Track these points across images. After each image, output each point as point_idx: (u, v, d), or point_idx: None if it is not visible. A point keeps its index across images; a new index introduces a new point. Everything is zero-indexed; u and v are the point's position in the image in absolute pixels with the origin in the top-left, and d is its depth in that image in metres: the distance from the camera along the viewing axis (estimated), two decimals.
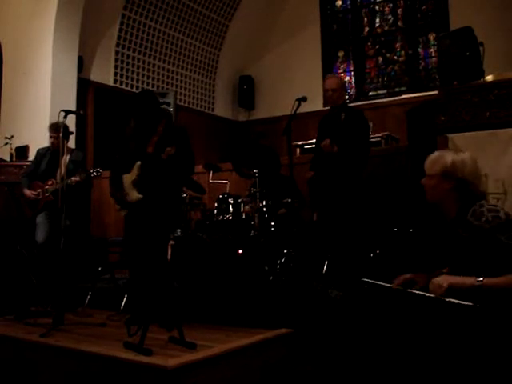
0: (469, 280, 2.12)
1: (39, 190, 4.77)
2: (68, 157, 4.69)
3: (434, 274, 2.42)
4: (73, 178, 4.39)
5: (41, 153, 5.05)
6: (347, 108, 4.51)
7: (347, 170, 4.12)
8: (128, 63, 7.78)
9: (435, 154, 2.42)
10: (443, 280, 2.16)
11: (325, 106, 8.49)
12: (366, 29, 8.62)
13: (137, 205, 3.76)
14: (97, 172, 4.42)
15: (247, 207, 4.40)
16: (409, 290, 2.29)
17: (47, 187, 4.74)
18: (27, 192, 4.82)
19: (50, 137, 4.90)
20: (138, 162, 3.80)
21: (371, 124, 4.63)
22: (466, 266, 2.19)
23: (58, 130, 4.81)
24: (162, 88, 8.16)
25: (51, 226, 4.73)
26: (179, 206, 4.14)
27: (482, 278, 2.09)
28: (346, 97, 7.90)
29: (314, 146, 6.00)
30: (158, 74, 8.25)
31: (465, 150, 3.72)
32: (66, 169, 4.46)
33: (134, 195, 3.76)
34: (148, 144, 3.84)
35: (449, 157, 2.35)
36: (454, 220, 2.32)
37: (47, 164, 4.88)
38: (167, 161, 3.70)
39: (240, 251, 3.96)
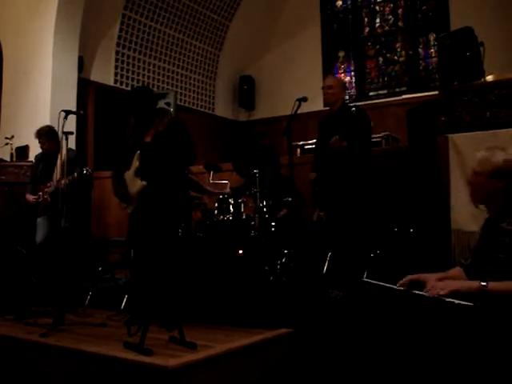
0: (473, 285, 2.11)
1: (39, 194, 4.88)
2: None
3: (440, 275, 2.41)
4: (62, 181, 4.41)
5: (37, 158, 5.17)
6: (348, 110, 4.40)
7: (352, 169, 4.09)
8: (128, 63, 7.78)
9: (486, 153, 2.40)
10: (445, 286, 2.15)
11: (325, 106, 8.52)
12: (367, 29, 8.61)
13: (142, 196, 3.79)
14: (86, 170, 4.42)
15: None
16: (409, 291, 2.28)
17: (46, 189, 4.84)
18: (29, 197, 4.94)
19: (38, 142, 5.01)
20: (137, 152, 3.85)
21: (372, 124, 4.56)
22: (504, 260, 2.18)
23: (41, 135, 4.95)
24: (162, 88, 8.16)
25: (50, 227, 4.78)
26: (185, 197, 4.14)
27: (485, 283, 2.09)
28: (347, 97, 7.90)
29: (314, 146, 5.99)
30: (158, 74, 8.25)
31: (465, 150, 3.74)
32: (61, 169, 4.53)
33: (138, 184, 3.80)
34: (146, 135, 3.90)
35: (500, 156, 2.34)
36: (499, 215, 2.32)
37: (43, 167, 4.99)
38: (165, 147, 3.79)
39: (240, 251, 3.95)
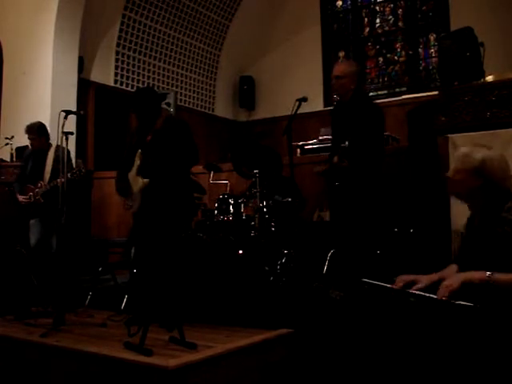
0: (478, 274, 2.10)
1: (30, 194, 4.72)
2: (52, 156, 4.69)
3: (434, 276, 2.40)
4: (58, 180, 4.34)
5: (25, 155, 5.03)
6: (360, 103, 3.98)
7: (359, 179, 3.93)
8: (128, 63, 7.79)
9: (467, 149, 2.38)
10: (453, 281, 2.13)
11: (325, 106, 8.53)
12: (367, 29, 8.62)
13: (145, 194, 3.79)
14: (79, 171, 4.35)
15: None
16: (409, 291, 2.28)
17: (37, 190, 4.67)
18: (18, 197, 4.77)
19: (28, 138, 4.88)
20: (139, 151, 3.85)
21: None
22: (495, 261, 2.17)
23: (32, 130, 4.82)
24: (163, 88, 8.17)
25: (43, 229, 4.71)
26: (189, 198, 4.12)
27: (490, 273, 2.07)
28: None
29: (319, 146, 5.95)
30: (159, 74, 8.25)
31: None
32: (52, 168, 4.52)
33: (140, 182, 3.80)
34: (148, 135, 3.91)
35: (479, 154, 2.32)
36: (483, 216, 2.31)
37: (32, 166, 4.84)
38: (167, 146, 3.77)
39: (240, 251, 3.96)
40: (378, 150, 3.94)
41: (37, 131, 4.81)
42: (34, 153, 4.90)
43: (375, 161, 3.94)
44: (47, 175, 4.68)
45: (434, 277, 2.37)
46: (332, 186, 4.13)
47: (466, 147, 2.42)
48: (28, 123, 4.97)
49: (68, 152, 4.95)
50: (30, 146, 5.06)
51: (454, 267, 2.46)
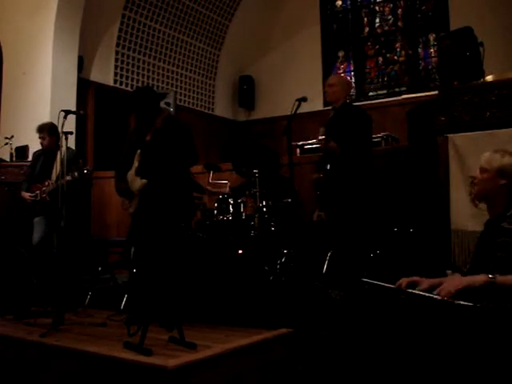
0: (480, 278, 2.11)
1: (37, 192, 4.76)
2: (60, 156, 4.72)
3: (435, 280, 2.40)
4: (68, 178, 4.35)
5: (36, 155, 5.08)
6: (349, 109, 4.41)
7: (350, 170, 4.09)
8: (128, 63, 7.79)
9: (496, 153, 2.45)
10: (449, 286, 2.13)
11: (325, 106, 8.52)
12: (366, 29, 8.62)
13: (143, 194, 3.78)
14: (86, 170, 4.36)
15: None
16: (409, 291, 2.28)
17: (44, 188, 4.72)
18: (25, 195, 4.82)
19: (39, 137, 4.93)
20: (138, 151, 3.84)
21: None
22: (504, 259, 2.18)
23: (43, 129, 4.86)
24: (162, 88, 8.17)
25: (47, 227, 4.74)
26: (188, 197, 4.12)
27: (493, 276, 2.08)
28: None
29: (318, 146, 6.01)
30: (158, 74, 8.25)
31: (465, 150, 3.74)
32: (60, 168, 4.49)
33: (138, 182, 3.80)
34: (147, 134, 3.90)
35: (508, 157, 2.39)
36: (499, 216, 2.34)
37: (41, 165, 4.90)
38: (166, 146, 3.78)
39: (240, 251, 3.96)
40: (364, 147, 4.19)
41: (47, 131, 4.86)
42: (44, 153, 4.95)
43: (363, 157, 4.11)
44: (55, 175, 4.71)
45: (436, 281, 2.36)
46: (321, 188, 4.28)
47: (495, 151, 2.47)
48: (28, 123, 4.99)
49: (75, 152, 5.01)
50: (29, 146, 5.08)
51: (457, 276, 2.46)
